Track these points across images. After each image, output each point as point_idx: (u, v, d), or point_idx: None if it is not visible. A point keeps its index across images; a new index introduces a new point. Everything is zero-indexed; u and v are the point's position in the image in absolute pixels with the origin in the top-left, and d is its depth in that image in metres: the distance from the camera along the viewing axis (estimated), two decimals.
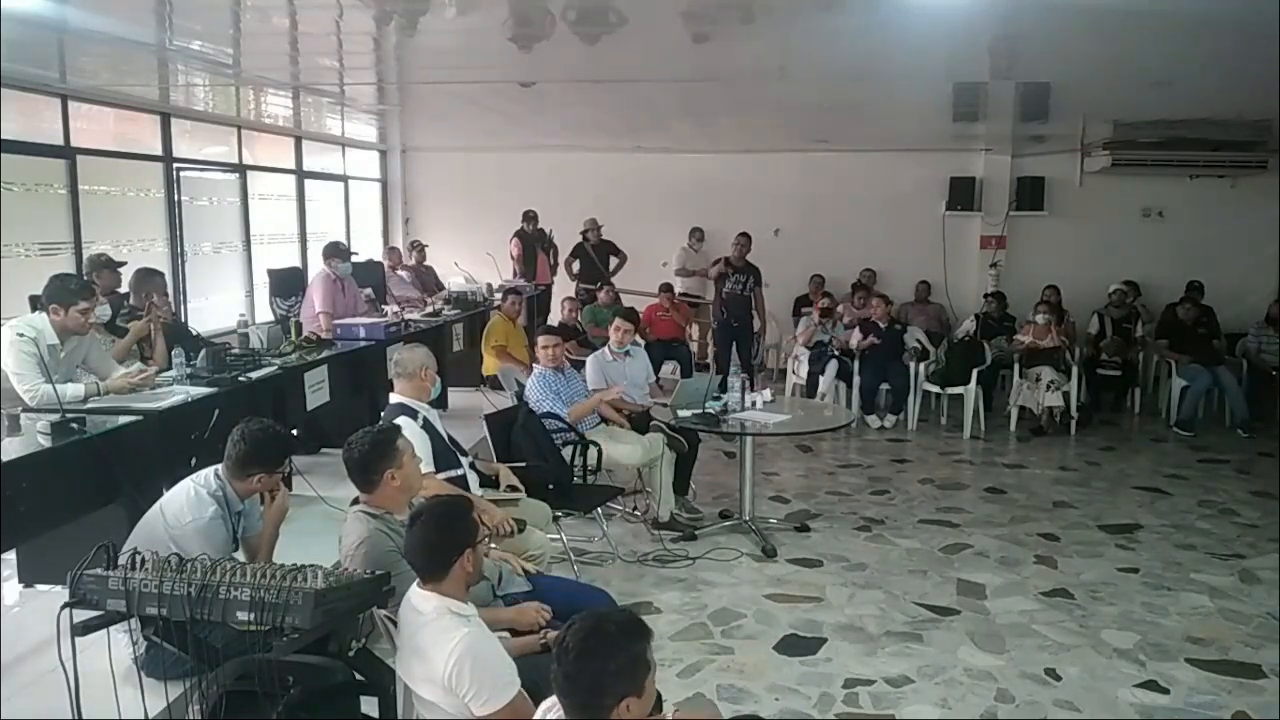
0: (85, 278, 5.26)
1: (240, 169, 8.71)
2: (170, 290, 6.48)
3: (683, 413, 5.53)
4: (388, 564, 2.82)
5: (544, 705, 2.14)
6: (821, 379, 8.20)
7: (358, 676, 2.64)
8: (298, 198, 9.73)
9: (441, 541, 2.52)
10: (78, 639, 2.41)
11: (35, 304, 4.57)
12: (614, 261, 10.13)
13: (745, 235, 9.21)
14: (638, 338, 6.52)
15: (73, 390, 4.19)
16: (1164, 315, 9.08)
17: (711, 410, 5.55)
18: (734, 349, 9.15)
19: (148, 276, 5.58)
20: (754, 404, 5.72)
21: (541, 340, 5.61)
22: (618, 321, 6.18)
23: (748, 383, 5.96)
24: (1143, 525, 5.81)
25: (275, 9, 4.68)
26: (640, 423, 5.71)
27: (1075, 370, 8.14)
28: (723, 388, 5.75)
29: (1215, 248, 9.94)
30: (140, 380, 4.38)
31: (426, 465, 3.70)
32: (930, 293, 10.27)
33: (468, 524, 2.59)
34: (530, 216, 9.93)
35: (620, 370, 6.07)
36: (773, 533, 5.46)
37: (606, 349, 6.18)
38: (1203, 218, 10.10)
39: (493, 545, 3.48)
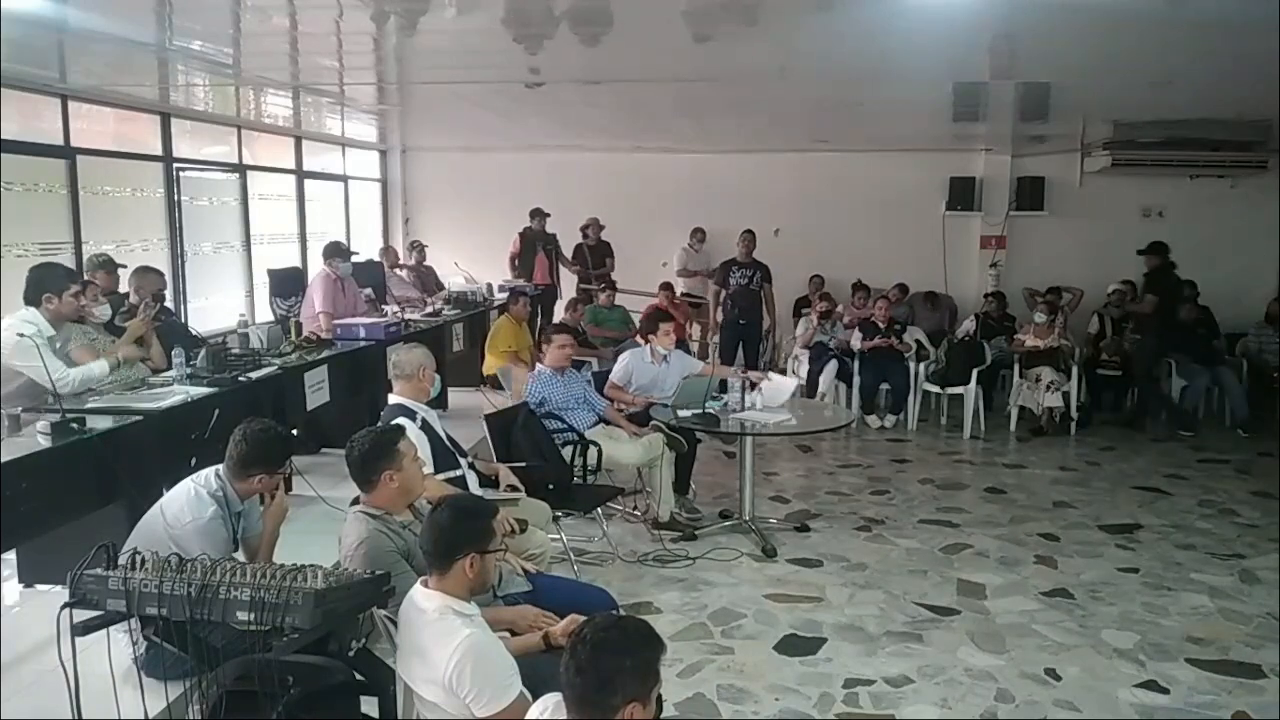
0: (85, 278, 5.26)
1: (240, 169, 8.71)
2: (170, 290, 6.48)
3: (683, 413, 5.53)
4: (387, 564, 2.83)
5: (538, 705, 2.13)
6: (821, 379, 8.20)
7: (358, 676, 2.64)
8: (298, 198, 9.74)
9: (452, 532, 2.51)
10: (78, 639, 2.40)
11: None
12: (607, 264, 10.10)
13: (749, 232, 9.22)
14: (641, 338, 6.47)
15: (99, 368, 4.23)
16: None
17: (711, 410, 5.55)
18: (740, 350, 9.14)
19: (144, 273, 5.61)
20: (754, 404, 5.71)
21: (559, 339, 5.52)
22: (664, 326, 6.07)
23: (748, 383, 5.95)
24: (1143, 525, 5.81)
25: (275, 9, 4.68)
26: (640, 421, 5.70)
27: (1075, 370, 8.14)
28: (723, 388, 5.74)
29: (1215, 248, 9.92)
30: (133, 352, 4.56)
31: (426, 466, 3.69)
32: (937, 297, 10.28)
33: (483, 526, 2.57)
34: (537, 214, 9.91)
35: (654, 375, 6.00)
36: (773, 533, 5.46)
37: (649, 349, 6.09)
38: (1203, 218, 10.09)
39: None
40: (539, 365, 5.67)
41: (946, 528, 5.71)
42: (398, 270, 9.55)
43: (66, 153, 6.60)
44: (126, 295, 5.55)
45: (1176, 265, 8.38)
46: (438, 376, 4.40)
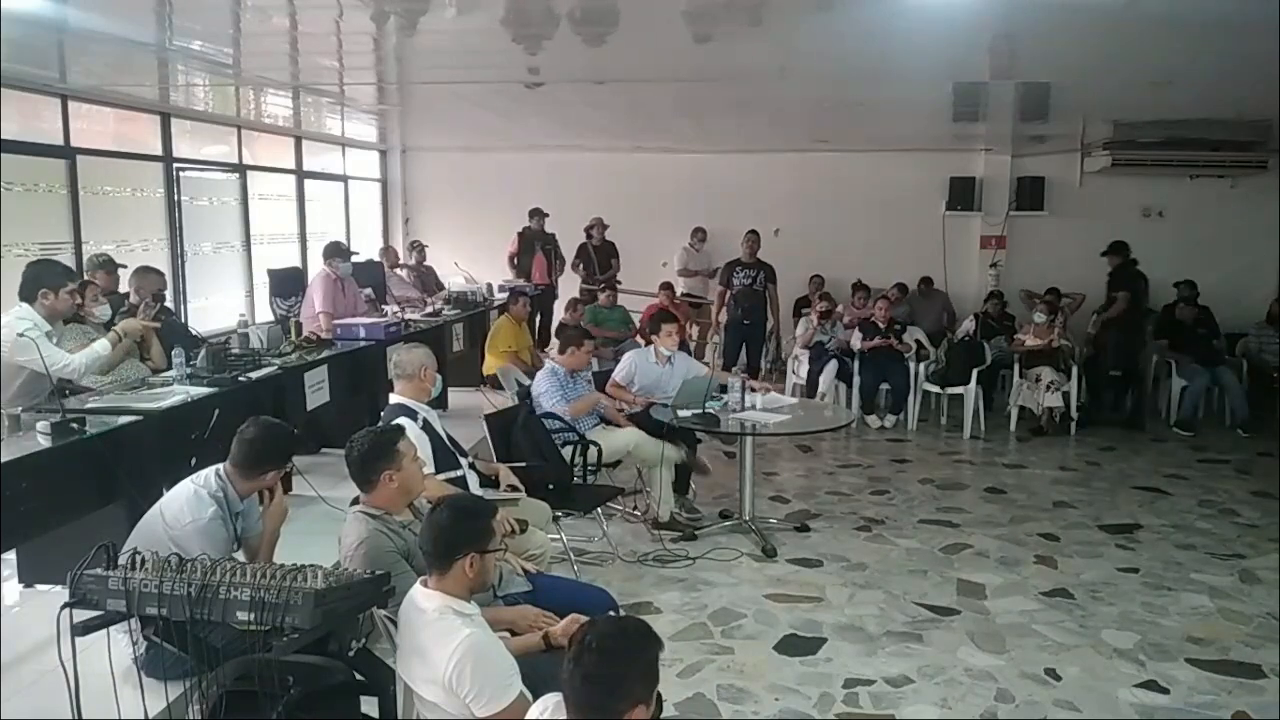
0: (85, 278, 5.26)
1: (240, 169, 8.72)
2: (170, 290, 6.49)
3: (683, 413, 5.53)
4: (387, 564, 2.83)
5: (538, 705, 2.13)
6: (821, 379, 8.20)
7: (358, 676, 2.64)
8: (298, 198, 9.74)
9: (452, 532, 2.51)
10: (78, 639, 2.41)
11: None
12: (614, 265, 10.10)
13: (754, 232, 9.22)
14: (648, 338, 6.46)
15: (100, 346, 4.25)
16: (1163, 315, 9.07)
17: (711, 410, 5.54)
18: (744, 350, 9.13)
19: (144, 273, 5.61)
20: (754, 404, 5.71)
21: (588, 344, 5.65)
22: (666, 327, 6.11)
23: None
24: (1143, 525, 5.81)
25: (275, 9, 4.68)
26: (640, 421, 5.68)
27: (1075, 370, 8.14)
28: (723, 388, 5.74)
29: (1215, 248, 9.92)
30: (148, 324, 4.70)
31: (426, 467, 3.69)
32: (932, 285, 10.29)
33: (482, 526, 2.57)
34: (536, 214, 9.91)
35: (657, 376, 5.99)
36: (773, 533, 5.46)
37: (654, 350, 6.11)
38: (1203, 218, 10.10)
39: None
40: (550, 363, 5.65)
41: (946, 528, 5.71)
42: (398, 270, 9.55)
43: (66, 153, 6.60)
44: (126, 295, 5.55)
45: (1138, 261, 8.39)
46: (439, 376, 4.40)
